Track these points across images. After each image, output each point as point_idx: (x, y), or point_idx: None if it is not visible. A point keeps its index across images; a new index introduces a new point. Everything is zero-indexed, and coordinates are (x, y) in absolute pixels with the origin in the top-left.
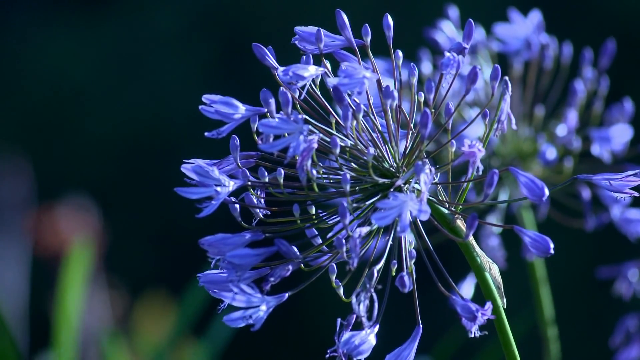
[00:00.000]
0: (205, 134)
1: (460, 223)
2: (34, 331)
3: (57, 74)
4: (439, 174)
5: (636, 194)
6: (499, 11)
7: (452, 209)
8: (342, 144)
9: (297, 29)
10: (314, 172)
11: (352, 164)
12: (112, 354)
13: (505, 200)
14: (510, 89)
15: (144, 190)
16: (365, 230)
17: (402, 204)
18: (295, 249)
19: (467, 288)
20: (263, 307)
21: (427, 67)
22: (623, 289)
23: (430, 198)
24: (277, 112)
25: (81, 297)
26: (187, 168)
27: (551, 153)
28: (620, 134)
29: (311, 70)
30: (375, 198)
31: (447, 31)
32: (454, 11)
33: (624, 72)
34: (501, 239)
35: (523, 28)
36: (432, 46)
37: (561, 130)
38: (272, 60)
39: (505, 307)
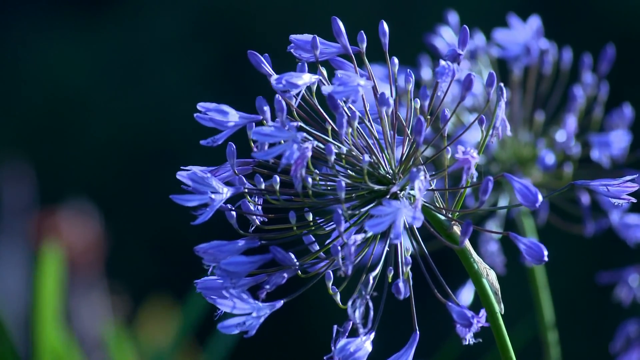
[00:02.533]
0: (201, 142)
1: (457, 229)
2: None
3: (57, 79)
4: (435, 180)
5: (633, 200)
6: (498, 16)
7: (449, 215)
8: (338, 151)
9: (293, 37)
10: (310, 179)
11: (348, 170)
12: (118, 355)
13: (503, 206)
14: (505, 95)
15: (144, 195)
16: (360, 237)
17: (396, 211)
18: (292, 256)
19: (467, 294)
20: (255, 314)
21: (427, 73)
22: (623, 294)
23: (427, 205)
24: (273, 119)
25: (58, 301)
26: (182, 175)
27: (550, 158)
28: (619, 140)
29: (305, 78)
30: (371, 205)
31: (446, 37)
32: (453, 17)
33: (624, 77)
34: (501, 245)
35: (522, 33)
36: (431, 52)
37: (561, 135)
38: (267, 67)
39: (502, 313)
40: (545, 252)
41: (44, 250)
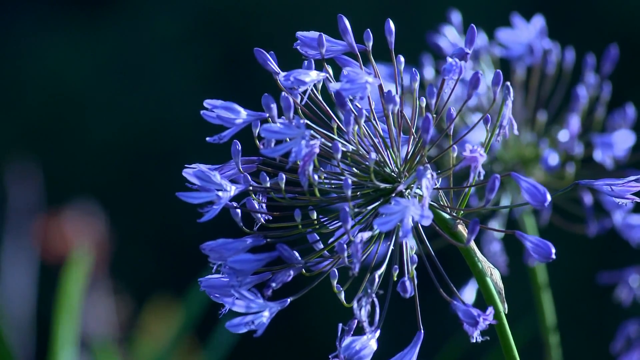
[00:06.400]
0: (207, 139)
1: (462, 228)
2: (40, 336)
3: (59, 79)
4: (440, 179)
5: (638, 200)
6: (501, 16)
7: (454, 214)
8: (344, 149)
9: (299, 34)
10: (316, 177)
11: (354, 169)
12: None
13: (507, 205)
14: (512, 94)
15: (146, 195)
16: (367, 235)
17: (404, 209)
18: (297, 254)
19: (469, 293)
20: (266, 313)
21: (429, 72)
22: (624, 294)
23: (432, 203)
24: (279, 117)
25: (81, 302)
26: (188, 173)
27: (553, 159)
28: (622, 140)
29: (312, 76)
30: (377, 203)
31: (449, 36)
32: (456, 16)
33: (627, 77)
34: (503, 245)
35: (526, 33)
36: (434, 51)
37: (563, 135)
38: (273, 65)
39: (506, 312)
40: (553, 250)
41: (73, 254)
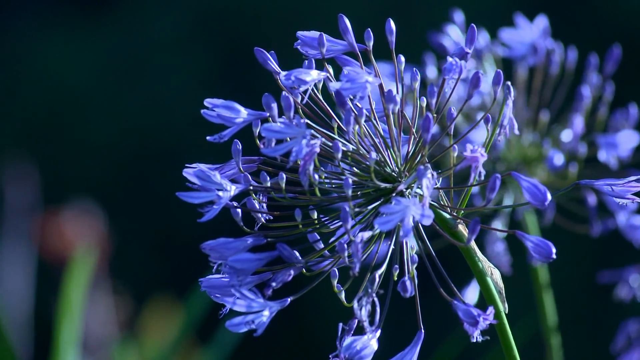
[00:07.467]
0: (207, 138)
1: (462, 228)
2: (39, 336)
3: (58, 79)
4: (441, 179)
5: (638, 200)
6: (505, 16)
7: (454, 213)
8: (344, 149)
9: (300, 33)
10: (316, 176)
11: (354, 168)
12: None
13: (508, 205)
14: (512, 93)
15: (146, 195)
16: (367, 234)
17: (404, 209)
18: (297, 254)
19: (472, 293)
20: (266, 312)
21: (432, 71)
22: (624, 293)
23: (432, 203)
24: (279, 116)
25: (83, 303)
26: (188, 172)
27: (559, 159)
28: (627, 140)
29: (313, 75)
30: (377, 203)
31: (453, 35)
32: (459, 15)
33: (629, 77)
34: (506, 245)
35: (529, 33)
36: (437, 50)
37: (566, 135)
38: (274, 64)
39: (506, 312)
40: (554, 250)
41: (75, 254)
